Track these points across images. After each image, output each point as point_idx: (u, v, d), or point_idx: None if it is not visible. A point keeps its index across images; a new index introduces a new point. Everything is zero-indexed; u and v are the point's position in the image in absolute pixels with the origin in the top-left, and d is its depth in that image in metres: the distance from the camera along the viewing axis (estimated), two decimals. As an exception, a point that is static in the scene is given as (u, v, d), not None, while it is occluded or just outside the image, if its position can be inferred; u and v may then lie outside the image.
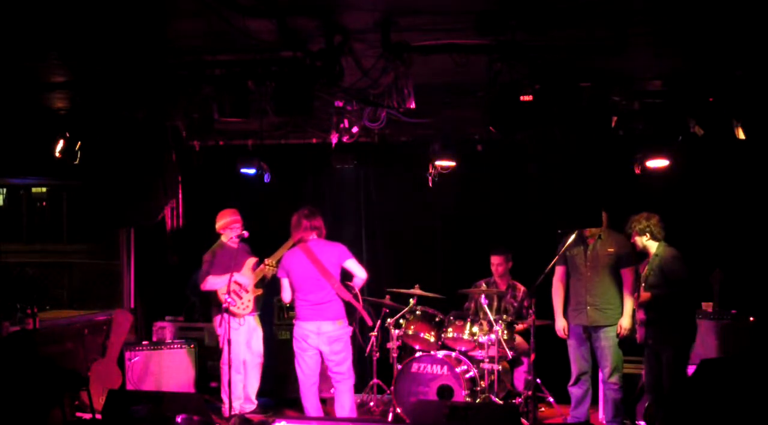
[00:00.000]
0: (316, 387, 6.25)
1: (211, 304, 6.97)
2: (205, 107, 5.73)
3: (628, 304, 6.31)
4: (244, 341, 6.85)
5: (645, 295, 5.99)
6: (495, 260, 7.34)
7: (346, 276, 6.23)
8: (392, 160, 8.26)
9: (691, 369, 6.41)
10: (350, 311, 6.28)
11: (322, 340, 6.04)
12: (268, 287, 7.14)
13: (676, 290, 5.94)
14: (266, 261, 6.76)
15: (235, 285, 6.66)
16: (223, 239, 6.92)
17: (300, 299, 6.10)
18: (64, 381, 6.54)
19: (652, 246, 6.11)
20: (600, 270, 6.41)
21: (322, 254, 6.09)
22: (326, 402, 7.10)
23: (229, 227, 6.88)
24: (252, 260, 6.89)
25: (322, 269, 6.03)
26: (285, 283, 6.17)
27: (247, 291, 6.79)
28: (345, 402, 6.20)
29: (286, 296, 6.20)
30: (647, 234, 6.11)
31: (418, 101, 5.26)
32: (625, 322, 6.31)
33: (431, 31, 4.64)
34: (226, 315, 6.44)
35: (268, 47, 4.94)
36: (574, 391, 6.62)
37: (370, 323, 6.69)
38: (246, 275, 6.81)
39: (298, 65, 5.00)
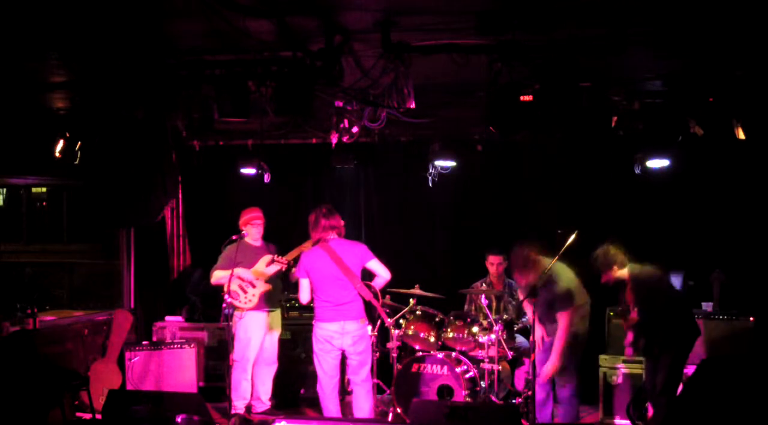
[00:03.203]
0: (338, 388, 6.21)
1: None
2: (205, 106, 5.73)
3: (557, 346, 6.07)
4: (258, 338, 6.82)
5: (634, 316, 5.86)
6: (495, 259, 7.34)
7: (366, 276, 6.15)
8: (392, 160, 8.27)
9: (691, 369, 6.41)
10: (368, 310, 6.21)
11: (347, 340, 5.96)
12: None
13: (658, 306, 5.82)
14: (276, 259, 6.59)
15: (239, 280, 6.64)
16: (247, 238, 6.80)
17: (321, 300, 5.99)
18: (64, 381, 6.55)
19: (624, 273, 5.90)
20: (545, 313, 6.21)
21: (345, 254, 5.98)
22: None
23: (250, 222, 6.81)
24: (267, 258, 6.83)
25: (345, 269, 5.93)
26: (304, 283, 6.03)
27: (253, 286, 6.75)
28: (364, 405, 6.13)
29: (304, 296, 6.07)
30: (613, 266, 5.88)
31: (418, 101, 5.26)
32: (549, 367, 6.10)
33: (431, 31, 4.64)
34: (233, 311, 6.43)
35: (268, 47, 4.94)
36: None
37: (388, 323, 6.63)
38: (254, 271, 6.77)
39: (298, 65, 5.00)
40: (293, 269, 6.33)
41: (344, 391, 6.77)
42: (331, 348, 6.00)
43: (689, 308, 6.20)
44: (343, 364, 6.19)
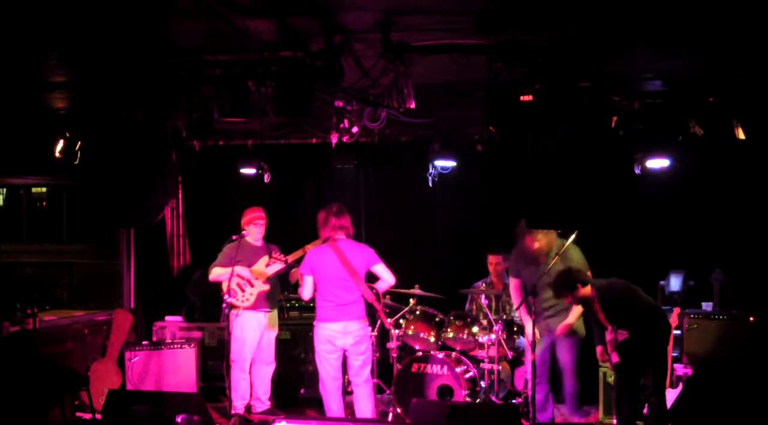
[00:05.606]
0: (341, 389, 6.19)
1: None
2: (205, 106, 5.73)
3: (576, 309, 6.10)
4: (254, 338, 6.81)
5: (611, 336, 5.70)
6: (494, 259, 7.33)
7: (369, 278, 6.12)
8: (392, 160, 8.27)
9: (689, 371, 6.43)
10: (369, 312, 6.19)
11: (349, 340, 5.96)
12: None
13: (630, 317, 5.70)
14: (274, 255, 6.60)
15: (237, 278, 6.63)
16: (248, 238, 6.80)
17: (325, 300, 5.98)
18: (64, 381, 6.55)
19: (588, 290, 5.68)
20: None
21: (352, 255, 5.97)
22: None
23: (252, 222, 6.81)
24: (267, 258, 6.83)
25: (350, 269, 5.91)
26: (308, 281, 6.01)
27: (252, 285, 6.75)
28: (366, 407, 6.12)
29: (306, 293, 6.04)
30: (577, 285, 5.66)
31: (418, 101, 5.27)
32: (571, 318, 6.22)
33: (431, 31, 4.65)
34: (230, 310, 6.43)
35: (268, 47, 4.94)
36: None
37: (388, 325, 6.62)
38: (253, 270, 6.77)
39: (298, 65, 5.01)
40: (293, 270, 6.31)
41: (344, 391, 6.76)
42: (333, 348, 5.99)
43: (660, 310, 5.99)
44: (344, 365, 6.17)
